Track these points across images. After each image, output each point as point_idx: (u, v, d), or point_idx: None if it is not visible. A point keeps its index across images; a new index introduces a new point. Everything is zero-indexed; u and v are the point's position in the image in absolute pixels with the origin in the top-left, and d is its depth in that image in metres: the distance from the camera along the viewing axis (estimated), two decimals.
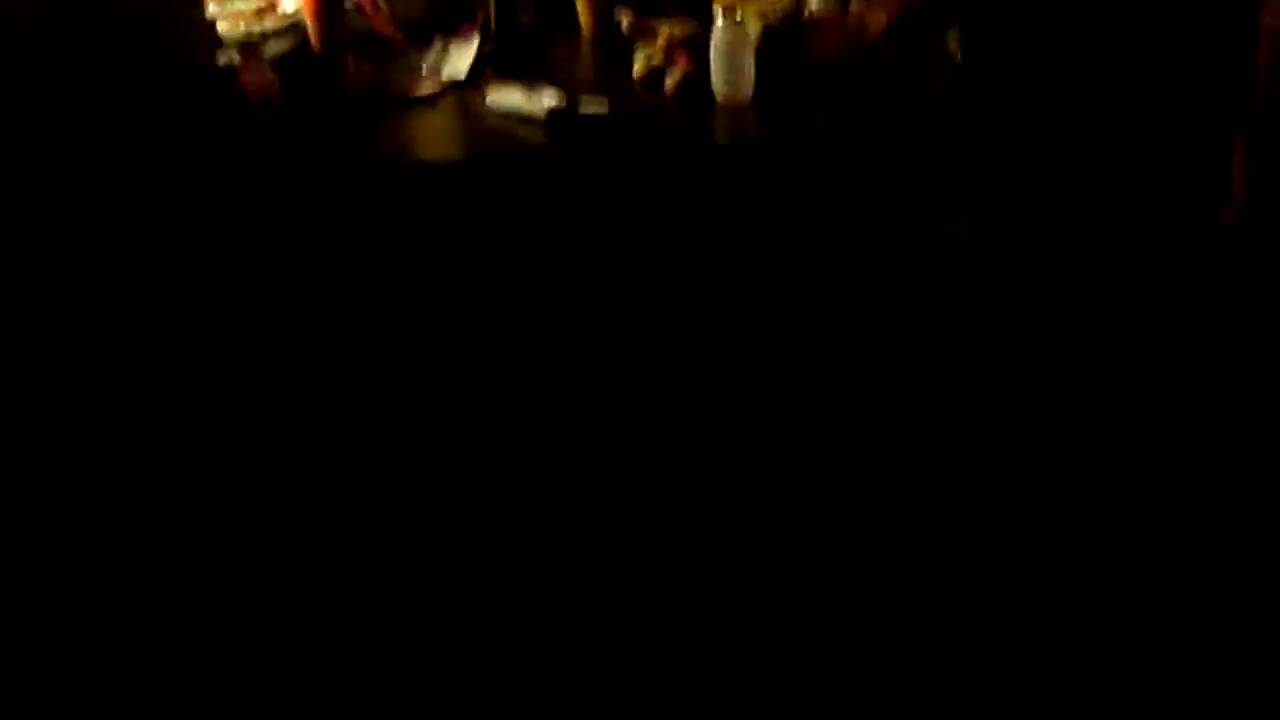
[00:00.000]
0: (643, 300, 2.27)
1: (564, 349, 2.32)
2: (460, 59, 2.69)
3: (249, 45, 2.38)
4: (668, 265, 2.26)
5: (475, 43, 2.75)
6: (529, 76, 2.55)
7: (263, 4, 2.77)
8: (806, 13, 2.51)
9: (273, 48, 2.61)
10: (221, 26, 2.71)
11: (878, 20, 2.45)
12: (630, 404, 2.36)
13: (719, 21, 2.26)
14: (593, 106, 2.30)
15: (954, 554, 2.23)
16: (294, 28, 2.65)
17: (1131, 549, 2.16)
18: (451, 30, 2.86)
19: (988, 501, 2.28)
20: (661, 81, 2.43)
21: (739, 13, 2.40)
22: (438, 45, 2.78)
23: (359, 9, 2.80)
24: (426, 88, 2.56)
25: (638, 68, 2.47)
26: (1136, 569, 2.14)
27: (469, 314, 2.31)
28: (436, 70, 2.66)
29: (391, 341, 2.33)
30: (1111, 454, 2.23)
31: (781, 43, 2.47)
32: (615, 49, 2.67)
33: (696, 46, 2.39)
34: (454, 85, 2.62)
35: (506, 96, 2.35)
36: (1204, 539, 2.15)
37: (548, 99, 2.29)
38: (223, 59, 2.46)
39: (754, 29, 2.42)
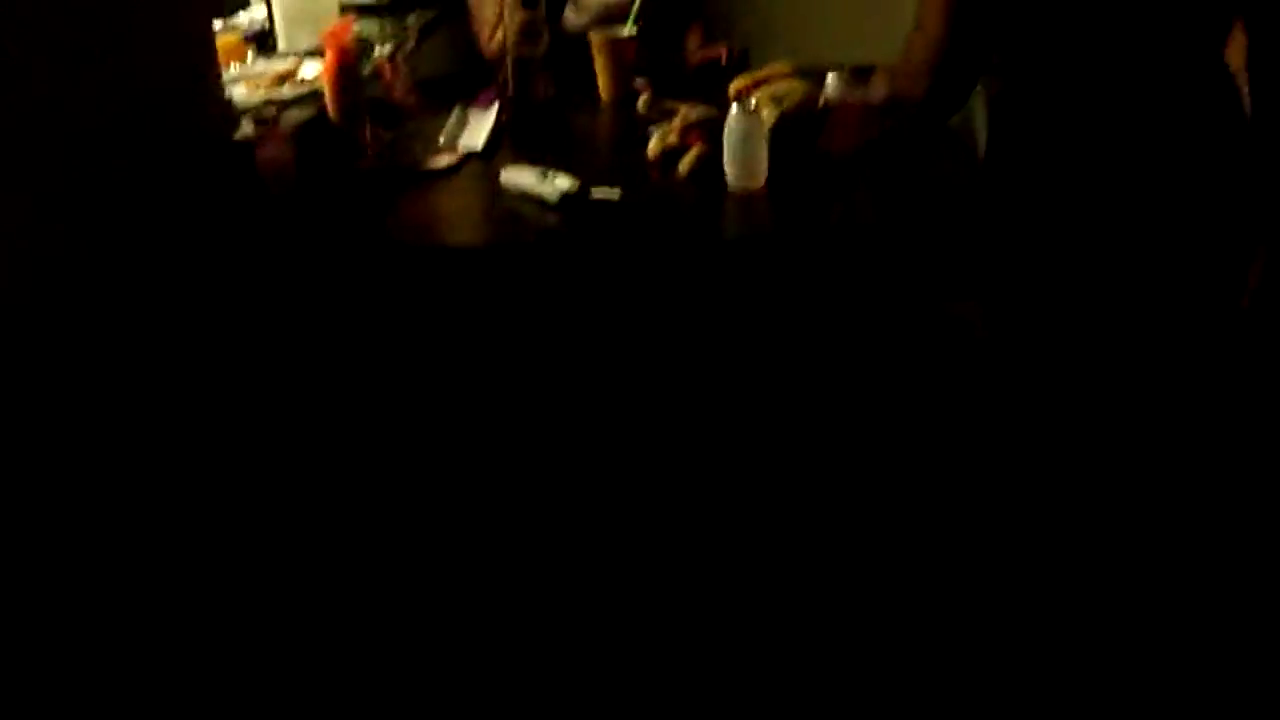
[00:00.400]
0: (651, 388, 2.27)
1: (570, 436, 2.32)
2: (478, 130, 2.70)
3: (265, 121, 2.39)
4: (676, 354, 2.26)
5: (493, 112, 2.77)
6: (545, 150, 2.57)
7: (283, 70, 2.78)
8: (822, 99, 2.51)
9: (291, 116, 2.62)
10: (241, 91, 2.72)
11: (841, 144, 2.46)
12: (638, 492, 2.36)
13: (733, 109, 2.26)
14: (604, 193, 2.29)
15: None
16: (313, 95, 2.65)
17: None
18: (472, 96, 2.87)
19: (994, 574, 2.27)
20: (675, 163, 2.42)
21: (753, 100, 2.40)
22: (456, 113, 2.80)
23: (378, 74, 2.82)
24: (442, 161, 2.57)
25: (652, 148, 2.48)
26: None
27: (478, 395, 2.31)
28: (454, 141, 2.67)
29: (399, 423, 2.33)
30: (1122, 534, 2.21)
31: (796, 130, 2.47)
32: (632, 122, 2.67)
33: (711, 130, 2.39)
34: (471, 156, 2.62)
35: (520, 177, 2.36)
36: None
37: (560, 183, 2.29)
38: (241, 130, 2.46)
39: (768, 115, 2.42)
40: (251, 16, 3.55)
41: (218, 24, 3.40)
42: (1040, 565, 2.22)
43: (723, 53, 3.19)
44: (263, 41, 3.30)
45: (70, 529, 1.89)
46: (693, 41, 3.34)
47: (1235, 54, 2.03)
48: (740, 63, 3.17)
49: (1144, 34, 1.99)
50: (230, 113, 2.50)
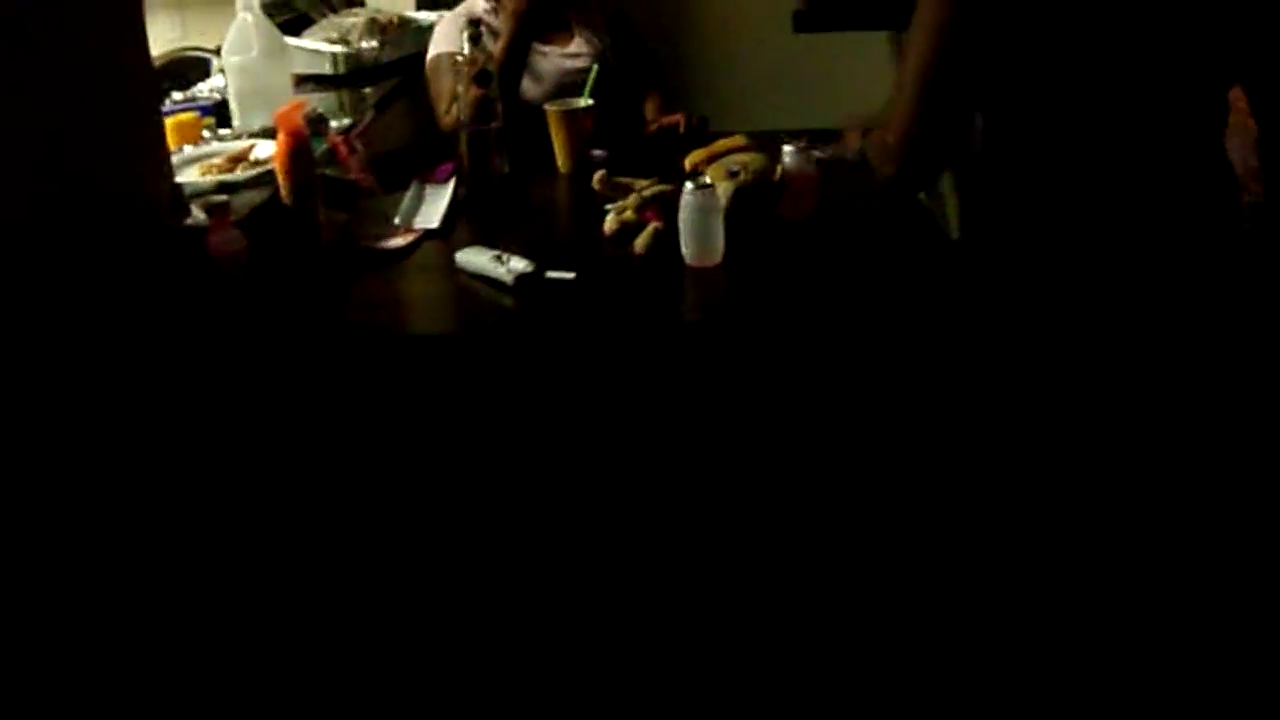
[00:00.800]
0: (611, 469, 2.24)
1: (530, 518, 2.28)
2: (434, 208, 2.69)
3: (216, 206, 2.36)
4: (636, 435, 2.23)
5: (450, 188, 2.75)
6: (501, 227, 2.57)
7: (236, 153, 2.76)
8: (779, 171, 2.49)
9: (244, 199, 2.59)
10: (194, 175, 2.69)
11: (798, 213, 2.44)
12: (600, 573, 2.32)
13: (687, 187, 2.24)
14: (559, 273, 2.27)
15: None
16: (267, 176, 2.63)
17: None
18: (429, 170, 2.85)
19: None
20: (632, 239, 2.40)
21: (707, 175, 2.38)
22: (413, 190, 2.78)
23: (333, 152, 2.79)
24: (398, 241, 2.55)
25: (609, 225, 2.46)
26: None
27: (437, 478, 2.27)
28: (410, 219, 2.65)
29: (357, 506, 2.30)
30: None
31: (752, 202, 2.46)
32: (589, 195, 2.65)
33: (667, 206, 2.37)
34: (427, 234, 2.60)
35: (475, 259, 2.34)
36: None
37: (515, 264, 2.27)
38: (193, 217, 2.43)
39: (724, 189, 2.41)
40: (213, 84, 3.53)
41: (177, 95, 3.40)
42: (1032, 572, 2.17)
43: (681, 120, 3.17)
44: (223, 112, 3.28)
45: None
46: (650, 110, 3.33)
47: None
48: (699, 130, 3.15)
49: (1136, 111, 1.93)
50: (181, 200, 2.46)
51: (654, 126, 3.27)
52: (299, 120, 2.49)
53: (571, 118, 2.91)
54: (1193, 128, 1.96)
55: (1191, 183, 1.97)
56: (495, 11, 3.25)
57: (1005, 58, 1.93)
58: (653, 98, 3.36)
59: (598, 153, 2.96)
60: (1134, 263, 1.96)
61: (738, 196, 2.44)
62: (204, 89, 3.54)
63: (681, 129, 3.16)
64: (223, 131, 3.13)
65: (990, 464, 2.12)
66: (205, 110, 3.30)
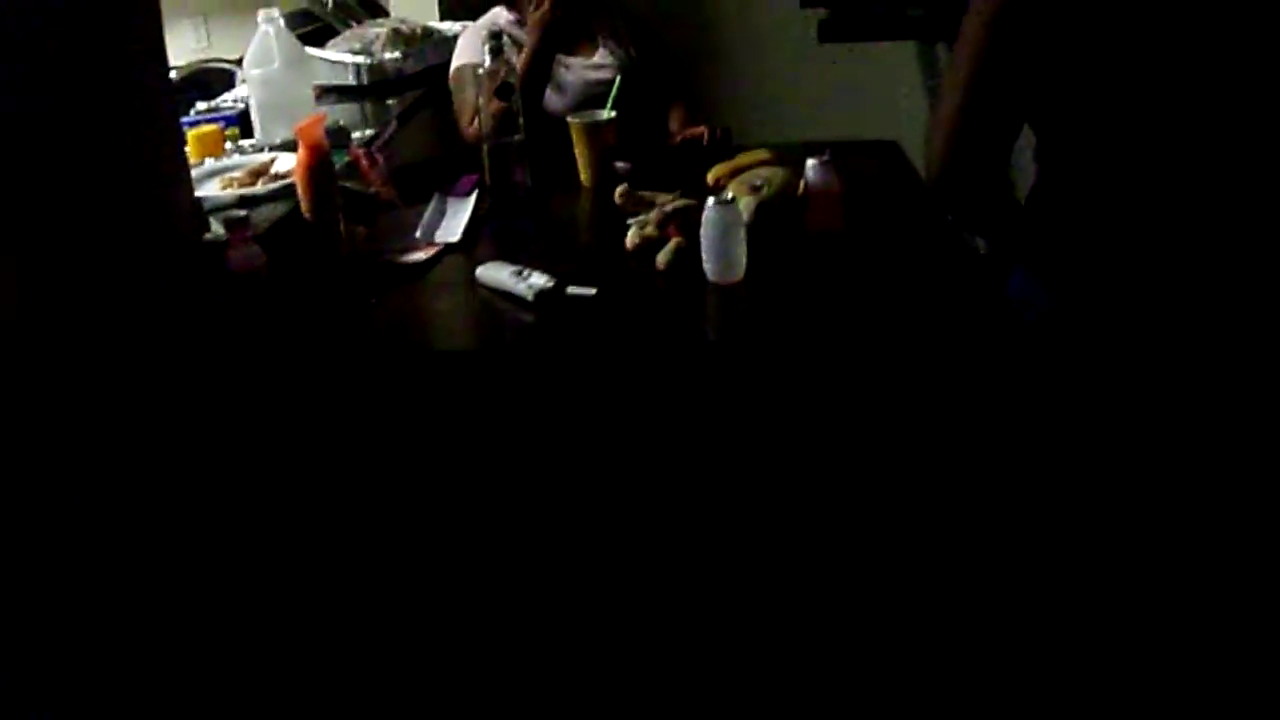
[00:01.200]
0: (632, 486, 2.21)
1: (551, 536, 2.26)
2: (455, 221, 2.67)
3: (236, 220, 2.35)
4: (657, 452, 2.20)
5: (472, 201, 2.73)
6: (523, 241, 2.57)
7: (257, 166, 2.75)
8: (802, 185, 2.47)
9: (265, 213, 2.58)
10: (214, 188, 2.69)
11: (822, 227, 2.42)
12: (620, 592, 2.30)
13: (709, 203, 2.22)
14: (580, 289, 2.25)
15: None
16: (287, 190, 2.62)
17: None
18: (451, 183, 2.84)
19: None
20: (654, 254, 2.38)
21: (730, 191, 2.36)
22: (434, 203, 2.76)
23: (354, 164, 2.78)
24: (419, 255, 2.53)
25: (630, 240, 2.43)
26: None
27: (457, 493, 2.25)
28: (431, 233, 2.63)
29: (379, 520, 2.28)
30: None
31: (776, 217, 2.43)
32: (612, 209, 2.64)
33: (689, 222, 2.34)
34: (449, 248, 2.59)
35: (496, 275, 2.32)
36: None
37: (536, 280, 2.25)
38: (212, 231, 2.42)
39: (746, 204, 2.39)
40: (237, 95, 3.53)
41: (201, 105, 3.39)
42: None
43: (704, 133, 3.15)
44: (246, 122, 3.28)
45: None
46: (675, 122, 3.31)
47: None
48: (723, 142, 3.14)
49: (1195, 133, 1.86)
50: (200, 214, 2.45)
51: (678, 139, 3.25)
52: (319, 134, 2.48)
53: (594, 130, 2.89)
54: (1256, 148, 1.89)
55: (1256, 205, 1.90)
56: (519, 23, 3.24)
57: (1056, 68, 1.89)
58: (677, 109, 3.34)
59: (621, 165, 2.94)
60: (1190, 288, 1.91)
61: (760, 211, 2.42)
62: (227, 99, 3.54)
63: (705, 141, 3.14)
64: (245, 143, 3.12)
65: (1018, 487, 2.09)
66: (229, 120, 3.31)
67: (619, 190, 2.60)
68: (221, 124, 3.31)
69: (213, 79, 3.80)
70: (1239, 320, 1.90)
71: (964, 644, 2.22)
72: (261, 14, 3.16)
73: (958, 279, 2.32)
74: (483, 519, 2.24)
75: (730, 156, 2.67)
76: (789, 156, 2.64)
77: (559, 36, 3.16)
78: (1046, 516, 2.06)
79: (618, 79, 3.01)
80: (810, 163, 2.46)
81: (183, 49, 4.13)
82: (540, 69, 3.13)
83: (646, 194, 2.58)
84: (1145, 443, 1.97)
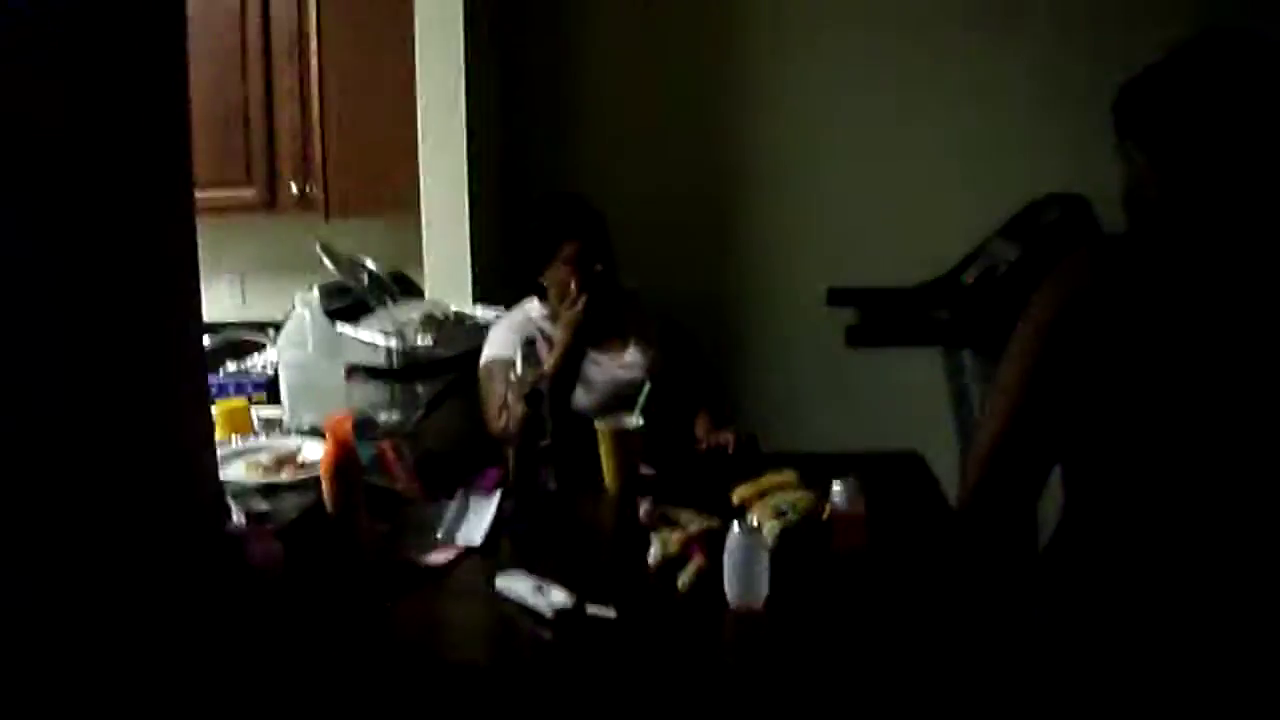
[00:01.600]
0: None
1: None
2: (477, 523, 2.67)
3: (256, 515, 2.35)
4: None
5: (494, 501, 2.73)
6: (544, 549, 2.56)
7: (283, 454, 2.76)
8: (828, 509, 2.47)
9: (288, 503, 2.59)
10: (240, 469, 2.70)
11: (848, 548, 2.42)
12: None
13: (733, 529, 2.22)
14: (599, 609, 2.23)
15: None
16: (312, 482, 2.62)
17: None
18: (476, 475, 2.84)
19: None
20: (676, 571, 2.37)
21: (754, 515, 2.36)
22: (457, 501, 2.75)
23: (379, 458, 2.79)
24: (439, 556, 2.52)
25: (653, 559, 2.42)
26: None
27: None
28: (452, 534, 2.62)
29: None
30: None
31: (799, 541, 2.43)
32: (634, 519, 2.64)
33: (712, 544, 2.33)
34: (469, 550, 2.57)
35: (515, 586, 2.30)
36: None
37: (555, 597, 2.23)
38: (233, 521, 2.42)
39: (770, 529, 2.39)
40: (266, 359, 3.58)
41: (231, 367, 3.43)
42: None
43: (731, 440, 3.17)
44: (274, 388, 3.31)
45: None
46: (700, 427, 3.33)
47: None
48: (748, 448, 3.15)
49: (1228, 484, 1.87)
50: (222, 503, 2.45)
51: (703, 445, 3.27)
52: (348, 431, 2.50)
53: (622, 438, 2.91)
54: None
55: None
56: (550, 318, 3.29)
57: (1092, 413, 1.91)
58: (703, 415, 3.36)
59: (646, 471, 2.95)
60: (1220, 639, 1.88)
61: (784, 537, 2.41)
62: (257, 363, 3.59)
63: (730, 449, 3.15)
64: (270, 412, 3.15)
65: None
66: (257, 386, 3.35)
67: (644, 508, 2.60)
68: (250, 390, 3.36)
69: (242, 344, 3.87)
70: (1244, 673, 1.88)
71: None
72: (299, 296, 3.23)
73: (979, 607, 2.29)
74: None
75: (755, 465, 2.67)
76: (812, 475, 2.64)
77: (590, 336, 3.20)
78: None
79: (647, 385, 3.04)
80: (836, 488, 2.46)
81: (218, 306, 4.22)
82: (570, 369, 3.17)
83: (671, 510, 2.58)
84: None
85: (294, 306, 3.23)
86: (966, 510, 2.04)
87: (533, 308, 3.37)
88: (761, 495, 2.59)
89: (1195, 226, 1.90)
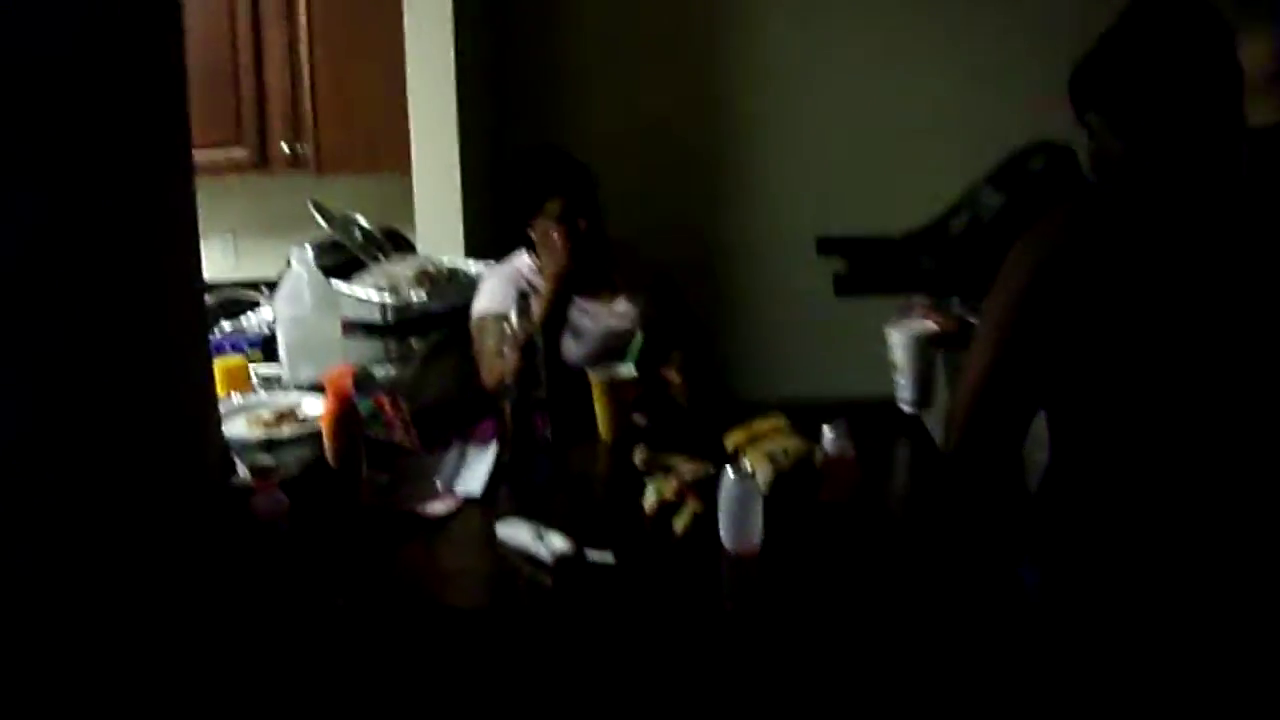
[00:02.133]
0: None
1: None
2: (475, 473, 2.71)
3: (262, 469, 2.40)
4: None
5: (492, 451, 2.77)
6: (542, 497, 2.62)
7: (284, 409, 2.80)
8: (820, 455, 2.52)
9: (289, 457, 2.64)
10: (240, 427, 2.74)
11: (839, 495, 2.49)
12: None
13: (727, 473, 2.26)
14: (599, 556, 2.28)
15: None
16: (313, 436, 2.67)
17: None
18: (472, 427, 2.89)
19: None
20: (671, 516, 2.42)
21: (748, 461, 2.41)
22: (455, 452, 2.80)
23: (377, 410, 2.83)
24: (439, 507, 2.57)
25: (648, 505, 2.47)
26: None
27: None
28: (450, 484, 2.67)
29: None
30: None
31: (792, 486, 2.48)
32: (630, 465, 2.71)
33: (707, 489, 2.38)
34: (468, 500, 2.62)
35: (515, 534, 2.35)
36: None
37: (555, 543, 2.28)
38: (238, 476, 2.46)
39: (764, 474, 2.43)
40: (262, 318, 3.61)
41: (227, 326, 3.47)
42: None
43: (678, 382, 3.22)
44: (270, 346, 3.35)
45: None
46: (670, 371, 3.32)
47: None
48: (708, 396, 3.22)
49: (1211, 428, 1.93)
50: (227, 457, 2.50)
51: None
52: (347, 386, 2.55)
53: (616, 388, 2.95)
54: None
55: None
56: (539, 271, 3.32)
57: (1075, 352, 1.97)
58: (675, 359, 3.35)
59: (639, 418, 2.99)
60: (1208, 585, 1.94)
61: (778, 482, 2.45)
62: (253, 320, 3.62)
63: (679, 393, 3.18)
64: (268, 369, 3.19)
65: None
66: (253, 344, 3.38)
67: (638, 455, 2.65)
68: (246, 347, 3.39)
69: (237, 302, 3.90)
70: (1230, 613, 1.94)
71: None
72: (294, 253, 3.26)
73: (969, 550, 2.34)
74: None
75: (746, 423, 2.72)
76: (802, 422, 2.69)
77: (576, 285, 3.24)
78: None
79: (639, 336, 3.07)
80: (827, 434, 2.51)
81: (211, 266, 4.24)
82: (557, 319, 3.20)
83: (665, 456, 2.63)
84: None
85: (289, 264, 3.26)
86: (952, 456, 2.09)
87: (522, 261, 3.40)
88: (754, 441, 2.63)
89: (1162, 183, 1.97)
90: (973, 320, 2.79)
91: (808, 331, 4.57)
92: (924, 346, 2.91)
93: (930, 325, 2.90)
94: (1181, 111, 1.94)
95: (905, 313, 2.99)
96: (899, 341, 2.91)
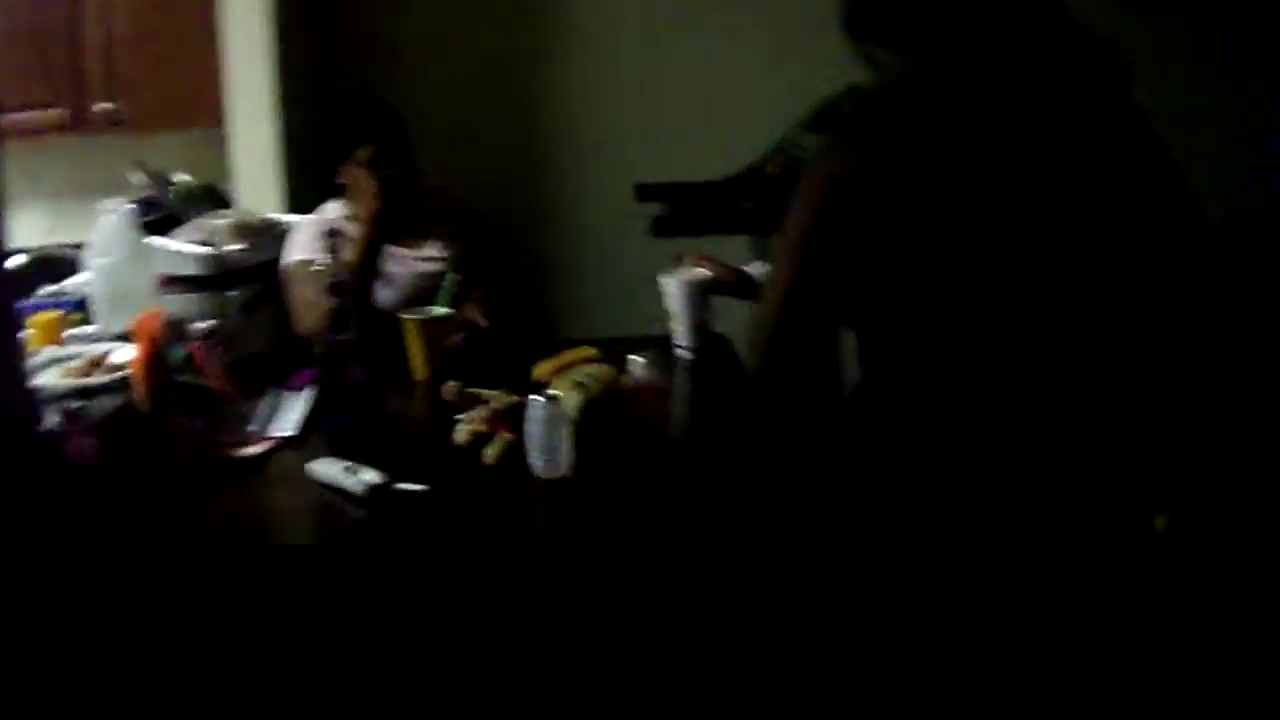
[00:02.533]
0: (466, 679, 2.25)
1: None
2: (289, 416, 2.72)
3: (72, 413, 2.39)
4: (487, 643, 2.24)
5: (306, 396, 2.78)
6: (356, 437, 2.62)
7: (95, 357, 2.79)
8: (629, 382, 2.57)
9: (100, 405, 2.62)
10: (53, 375, 2.72)
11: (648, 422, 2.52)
12: None
13: (535, 399, 2.30)
14: (410, 484, 2.31)
15: None
16: (124, 382, 2.65)
17: None
18: (288, 376, 2.89)
19: None
20: (483, 449, 2.46)
21: (556, 387, 2.45)
22: (269, 398, 2.81)
23: (191, 357, 2.82)
24: (253, 449, 2.57)
25: (460, 436, 2.51)
26: None
27: (292, 685, 2.26)
28: (265, 427, 2.67)
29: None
30: None
31: (602, 412, 2.52)
32: (443, 404, 2.73)
33: (517, 418, 2.42)
34: (283, 443, 2.63)
35: (327, 470, 2.37)
36: None
37: (366, 477, 2.30)
38: (47, 422, 2.44)
39: (573, 401, 2.47)
40: (81, 279, 3.57)
41: (46, 289, 3.42)
42: None
43: (480, 317, 3.26)
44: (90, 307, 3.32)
45: None
46: (469, 308, 3.34)
47: None
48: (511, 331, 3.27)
49: (1013, 343, 1.99)
50: (35, 405, 2.48)
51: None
52: (156, 328, 2.53)
53: (428, 326, 2.97)
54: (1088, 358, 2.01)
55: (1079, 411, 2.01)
56: (352, 217, 3.32)
57: (874, 266, 2.00)
58: (475, 295, 3.37)
59: (456, 339, 3.09)
60: (1011, 497, 2.01)
61: (587, 409, 2.50)
62: (72, 283, 3.57)
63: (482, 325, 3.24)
64: (85, 329, 3.15)
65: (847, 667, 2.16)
66: (73, 305, 3.34)
67: (449, 387, 2.68)
68: (65, 309, 3.35)
69: (57, 263, 3.84)
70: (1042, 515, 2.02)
71: None
72: (106, 204, 3.22)
73: (785, 469, 2.41)
74: (323, 709, 2.25)
75: (556, 355, 2.77)
76: (615, 353, 2.74)
77: (389, 228, 3.25)
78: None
79: (451, 277, 3.09)
80: (635, 359, 2.56)
81: (33, 230, 4.16)
82: (369, 261, 3.21)
83: (475, 390, 2.66)
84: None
85: (103, 217, 3.23)
86: (758, 375, 2.14)
87: (333, 208, 3.39)
88: (563, 371, 2.68)
89: (948, 100, 2.00)
90: (748, 270, 2.86)
91: (629, 275, 4.60)
92: (698, 294, 2.97)
93: (705, 273, 2.96)
94: (965, 24, 1.97)
95: (684, 262, 3.05)
96: (674, 290, 2.97)
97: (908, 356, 2.09)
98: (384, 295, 3.27)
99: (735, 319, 2.81)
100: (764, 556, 2.27)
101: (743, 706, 2.26)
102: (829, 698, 2.21)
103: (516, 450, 2.41)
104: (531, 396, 2.34)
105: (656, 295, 3.34)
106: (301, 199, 3.98)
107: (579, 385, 2.55)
